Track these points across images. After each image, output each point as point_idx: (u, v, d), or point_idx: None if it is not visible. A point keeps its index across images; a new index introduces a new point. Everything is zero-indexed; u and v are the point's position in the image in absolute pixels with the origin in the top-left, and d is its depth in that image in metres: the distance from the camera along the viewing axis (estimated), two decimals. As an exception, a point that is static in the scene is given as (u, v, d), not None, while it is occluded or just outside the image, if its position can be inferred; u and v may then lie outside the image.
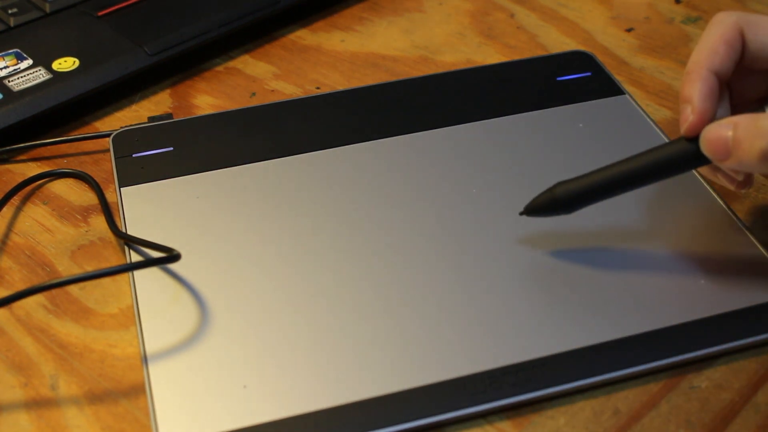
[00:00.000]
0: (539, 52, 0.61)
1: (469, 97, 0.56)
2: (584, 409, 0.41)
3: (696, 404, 0.41)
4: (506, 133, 0.53)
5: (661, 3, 0.66)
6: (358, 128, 0.53)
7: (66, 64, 0.56)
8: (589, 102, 0.55)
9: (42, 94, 0.54)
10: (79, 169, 0.53)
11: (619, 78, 0.57)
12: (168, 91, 0.59)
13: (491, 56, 0.61)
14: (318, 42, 0.63)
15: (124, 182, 0.50)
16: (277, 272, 0.45)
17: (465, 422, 0.40)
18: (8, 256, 0.48)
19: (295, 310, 0.43)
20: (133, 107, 0.58)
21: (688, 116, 0.42)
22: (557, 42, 0.62)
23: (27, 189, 0.52)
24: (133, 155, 0.52)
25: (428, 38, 0.63)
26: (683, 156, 0.42)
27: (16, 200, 0.51)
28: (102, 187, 0.51)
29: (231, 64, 0.61)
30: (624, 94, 0.56)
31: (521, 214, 0.45)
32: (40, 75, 0.56)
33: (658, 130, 0.53)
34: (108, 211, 0.49)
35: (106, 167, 0.53)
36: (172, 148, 0.52)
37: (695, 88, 0.42)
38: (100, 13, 0.61)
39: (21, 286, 0.46)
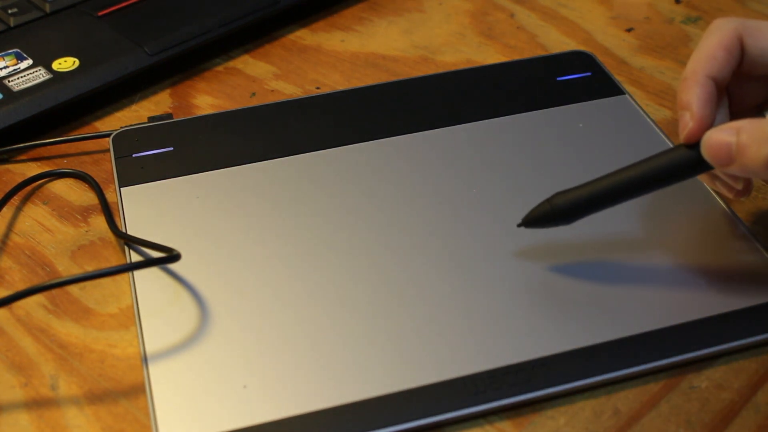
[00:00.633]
0: (539, 52, 0.61)
1: (469, 97, 0.56)
2: (584, 409, 0.41)
3: (696, 404, 0.41)
4: (506, 133, 0.53)
5: (661, 3, 0.66)
6: (358, 128, 0.53)
7: (66, 64, 0.56)
8: (589, 102, 0.55)
9: (42, 94, 0.54)
10: (79, 169, 0.53)
11: (619, 78, 0.57)
12: (168, 91, 0.59)
13: (491, 56, 0.61)
14: (318, 42, 0.63)
15: (124, 182, 0.50)
16: (277, 272, 0.45)
17: (465, 422, 0.40)
18: (8, 256, 0.48)
19: (295, 310, 0.43)
20: (133, 107, 0.58)
21: (687, 123, 0.42)
22: (557, 42, 0.62)
23: (27, 189, 0.52)
24: (133, 155, 0.52)
25: (428, 38, 0.63)
26: (684, 163, 0.42)
27: (16, 200, 0.51)
28: (102, 187, 0.51)
29: (231, 64, 0.61)
30: (624, 94, 0.56)
31: (519, 225, 0.45)
32: (40, 75, 0.56)
33: (658, 130, 0.53)
34: (108, 211, 0.49)
35: (106, 167, 0.53)
36: (172, 148, 0.52)
37: (693, 94, 0.42)
38: (100, 13, 0.61)
39: (21, 286, 0.46)
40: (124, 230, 0.47)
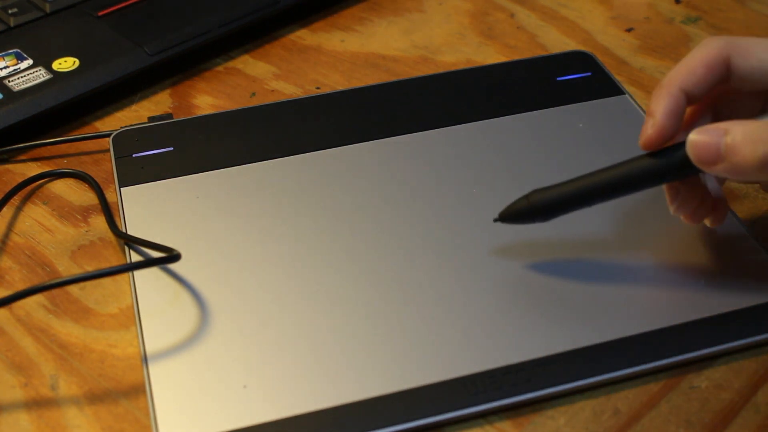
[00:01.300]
0: (539, 52, 0.61)
1: (469, 97, 0.56)
2: (584, 409, 0.41)
3: (696, 404, 0.41)
4: (506, 133, 0.53)
5: (661, 3, 0.66)
6: (358, 128, 0.53)
7: (66, 64, 0.56)
8: (589, 102, 0.55)
9: (42, 94, 0.54)
10: (79, 169, 0.53)
11: (619, 78, 0.57)
12: (168, 91, 0.59)
13: (491, 56, 0.61)
14: (318, 42, 0.63)
15: (124, 182, 0.50)
16: (277, 272, 0.45)
17: (465, 422, 0.40)
18: (8, 256, 0.48)
19: (295, 310, 0.43)
20: (133, 107, 0.58)
21: (647, 130, 0.42)
22: (557, 42, 0.62)
23: (27, 189, 0.52)
24: (133, 155, 0.52)
25: (428, 38, 0.63)
26: (667, 164, 0.42)
27: (16, 200, 0.51)
28: (102, 187, 0.51)
29: (231, 64, 0.61)
30: (624, 94, 0.56)
31: (495, 220, 0.45)
32: (40, 75, 0.56)
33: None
34: (108, 211, 0.49)
35: (106, 167, 0.53)
36: (172, 148, 0.52)
37: (661, 104, 0.42)
38: (100, 13, 0.61)
39: (21, 286, 0.46)
40: (124, 230, 0.47)
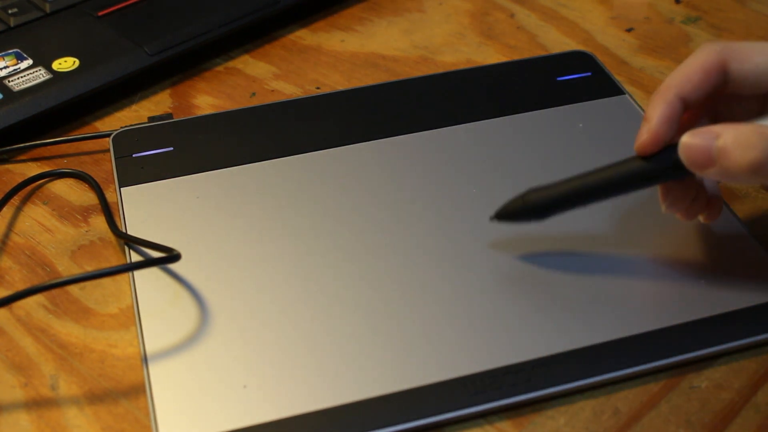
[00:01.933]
0: (539, 52, 0.61)
1: (469, 97, 0.56)
2: (584, 409, 0.41)
3: (696, 404, 0.41)
4: (506, 133, 0.53)
5: (661, 3, 0.66)
6: (358, 128, 0.53)
7: (66, 64, 0.56)
8: (589, 102, 0.55)
9: (42, 94, 0.54)
10: (79, 169, 0.53)
11: (619, 78, 0.57)
12: (168, 91, 0.59)
13: (491, 56, 0.61)
14: (318, 42, 0.63)
15: (124, 182, 0.50)
16: (277, 272, 0.45)
17: (465, 422, 0.40)
18: (8, 256, 0.48)
19: (295, 310, 0.43)
20: (133, 107, 0.58)
21: (643, 134, 0.42)
22: (557, 42, 0.62)
23: (27, 189, 0.52)
24: (133, 155, 0.52)
25: (428, 38, 0.63)
26: (659, 167, 0.42)
27: (16, 200, 0.51)
28: (102, 187, 0.51)
29: (231, 64, 0.61)
30: (624, 94, 0.56)
31: (492, 219, 0.45)
32: (40, 75, 0.56)
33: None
34: (108, 211, 0.49)
35: (106, 167, 0.53)
36: (172, 148, 0.52)
37: (658, 110, 0.42)
38: (100, 13, 0.61)
39: (21, 286, 0.46)
40: (124, 230, 0.47)
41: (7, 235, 0.49)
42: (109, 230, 0.49)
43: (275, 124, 0.54)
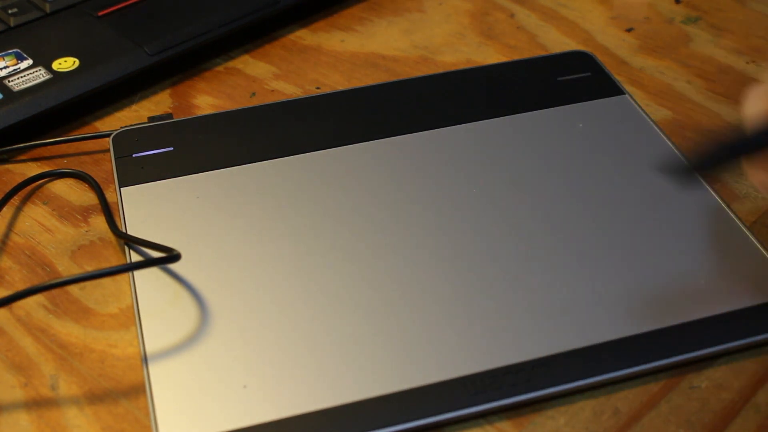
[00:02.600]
0: (539, 52, 0.61)
1: (469, 97, 0.56)
2: (584, 409, 0.41)
3: (696, 404, 0.41)
4: (506, 133, 0.53)
5: (661, 3, 0.66)
6: (358, 128, 0.53)
7: (66, 64, 0.56)
8: (589, 102, 0.55)
9: (42, 94, 0.54)
10: (79, 169, 0.53)
11: (619, 78, 0.57)
12: (168, 91, 0.59)
13: (491, 56, 0.61)
14: (318, 42, 0.63)
15: (124, 182, 0.50)
16: (277, 272, 0.45)
17: (465, 422, 0.40)
18: (8, 256, 0.48)
19: (295, 310, 0.43)
20: (133, 107, 0.58)
21: None
22: (557, 42, 0.62)
23: (27, 189, 0.52)
24: (133, 155, 0.52)
25: (428, 38, 0.63)
26: None
27: (16, 200, 0.51)
28: (102, 187, 0.51)
29: (231, 64, 0.61)
30: (624, 94, 0.56)
31: (691, 170, 0.41)
32: (40, 75, 0.56)
33: (658, 130, 0.53)
34: (108, 211, 0.49)
35: (106, 167, 0.53)
36: (172, 148, 0.52)
37: None
38: (100, 13, 0.61)
39: (21, 286, 0.46)
40: (124, 230, 0.47)
41: (7, 235, 0.49)
42: (109, 230, 0.49)
43: (275, 124, 0.54)
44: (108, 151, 0.53)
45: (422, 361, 0.41)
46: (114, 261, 0.48)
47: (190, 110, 0.57)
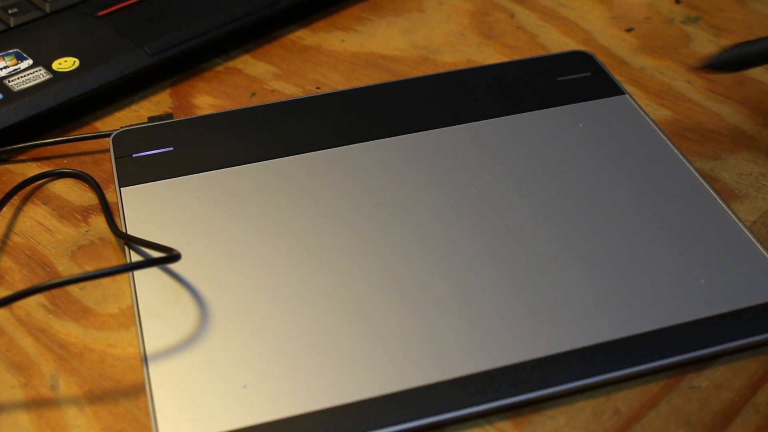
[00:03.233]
0: (539, 52, 0.61)
1: (469, 97, 0.56)
2: (584, 409, 0.41)
3: (696, 404, 0.41)
4: (506, 133, 0.53)
5: (661, 3, 0.66)
6: (358, 128, 0.53)
7: (66, 64, 0.56)
8: (589, 102, 0.55)
9: (42, 94, 0.54)
10: (79, 169, 0.53)
11: (619, 78, 0.57)
12: (168, 91, 0.59)
13: (491, 56, 0.61)
14: (318, 42, 0.63)
15: (124, 182, 0.50)
16: (278, 272, 0.45)
17: (465, 422, 0.40)
18: (8, 256, 0.48)
19: (295, 310, 0.44)
20: (133, 107, 0.58)
21: None
22: (557, 42, 0.62)
23: (27, 189, 0.52)
24: (133, 155, 0.52)
25: (428, 38, 0.63)
26: None
27: (16, 200, 0.51)
28: (102, 187, 0.51)
29: (231, 64, 0.61)
30: (624, 94, 0.56)
31: (704, 67, 0.50)
32: (40, 75, 0.56)
33: (658, 130, 0.53)
34: (108, 211, 0.49)
35: (106, 167, 0.53)
36: (172, 148, 0.52)
37: None
38: (100, 13, 0.61)
39: (21, 286, 0.46)
40: (124, 230, 0.47)
41: (7, 235, 0.49)
42: (109, 230, 0.49)
43: (275, 124, 0.54)
44: (108, 151, 0.53)
45: (422, 361, 0.41)
46: (114, 261, 0.48)
47: (190, 110, 0.57)
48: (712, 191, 0.49)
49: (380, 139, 0.53)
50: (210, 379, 0.41)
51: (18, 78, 0.55)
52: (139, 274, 0.45)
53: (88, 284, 0.46)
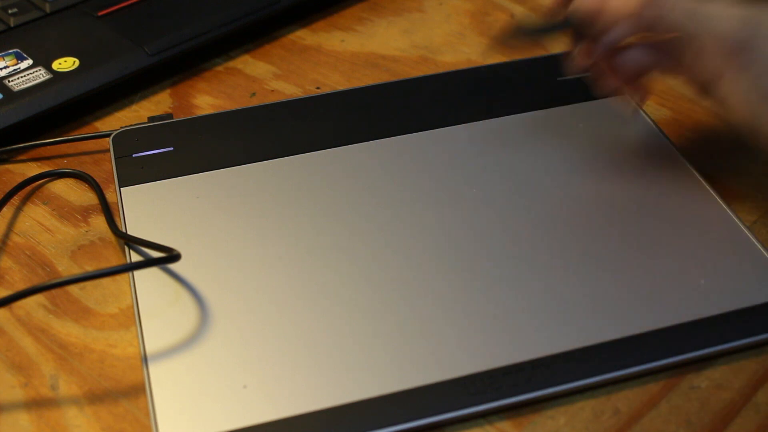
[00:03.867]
0: (539, 52, 0.61)
1: (469, 97, 0.56)
2: (584, 409, 0.41)
3: (696, 404, 0.41)
4: (506, 133, 0.53)
5: (661, 3, 0.66)
6: (358, 128, 0.53)
7: (66, 64, 0.56)
8: (589, 102, 0.55)
9: (42, 94, 0.54)
10: (79, 169, 0.53)
11: (619, 78, 0.57)
12: (168, 91, 0.59)
13: (491, 56, 0.61)
14: (318, 42, 0.63)
15: (124, 182, 0.50)
16: (277, 272, 0.45)
17: (465, 422, 0.40)
18: (8, 256, 0.48)
19: (295, 310, 0.43)
20: (133, 107, 0.58)
21: None
22: (557, 42, 0.62)
23: (27, 189, 0.52)
24: (133, 155, 0.52)
25: (428, 38, 0.63)
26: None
27: (16, 200, 0.51)
28: (102, 187, 0.51)
29: (231, 64, 0.61)
30: (624, 93, 0.55)
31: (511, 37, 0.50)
32: (40, 75, 0.56)
33: (657, 130, 0.53)
34: (108, 211, 0.49)
35: (106, 167, 0.53)
36: (172, 148, 0.52)
37: None
38: (100, 13, 0.61)
39: (21, 286, 0.46)
40: (124, 230, 0.47)
41: (7, 235, 0.49)
42: (109, 230, 0.49)
43: (275, 124, 0.54)
44: (108, 151, 0.53)
45: (422, 361, 0.41)
46: (114, 261, 0.48)
47: (190, 110, 0.57)
48: (712, 191, 0.49)
49: (380, 139, 0.53)
50: (210, 379, 0.41)
51: (18, 78, 0.55)
52: (139, 274, 0.45)
53: (88, 284, 0.46)
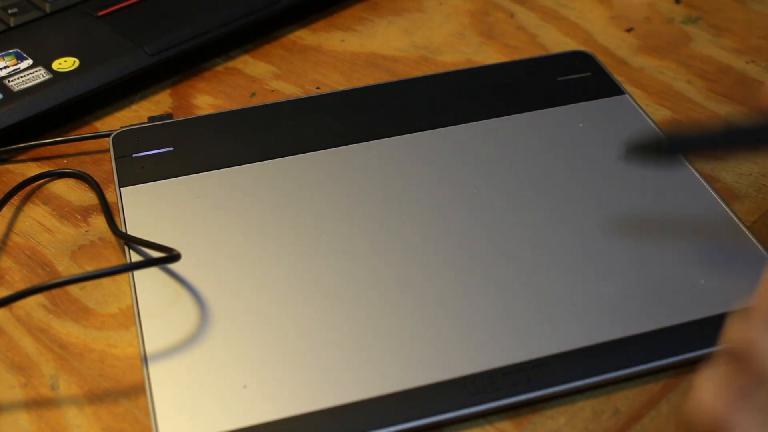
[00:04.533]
0: (539, 52, 0.61)
1: (469, 97, 0.56)
2: (584, 409, 0.41)
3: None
4: (506, 133, 0.53)
5: (661, 3, 0.66)
6: (358, 128, 0.53)
7: (66, 64, 0.56)
8: (589, 102, 0.55)
9: (42, 94, 0.54)
10: (79, 169, 0.53)
11: (619, 78, 0.57)
12: (168, 91, 0.59)
13: (491, 56, 0.61)
14: (318, 42, 0.63)
15: (124, 182, 0.50)
16: (278, 272, 0.45)
17: (465, 422, 0.40)
18: (8, 256, 0.48)
19: (295, 310, 0.43)
20: (133, 107, 0.58)
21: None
22: (557, 42, 0.62)
23: (27, 189, 0.52)
24: (133, 155, 0.52)
25: (428, 38, 0.63)
26: None
27: (16, 200, 0.51)
28: (102, 187, 0.51)
29: (231, 64, 0.61)
30: (624, 94, 0.56)
31: (625, 154, 0.42)
32: (40, 75, 0.56)
33: (658, 130, 0.53)
34: (108, 211, 0.49)
35: (106, 167, 0.53)
36: (172, 148, 0.52)
37: None
38: (100, 13, 0.61)
39: (21, 286, 0.46)
40: (124, 230, 0.47)
41: (7, 235, 0.49)
42: (109, 230, 0.49)
43: (275, 124, 0.54)
44: (108, 151, 0.53)
45: (422, 361, 0.41)
46: (114, 261, 0.48)
47: (190, 110, 0.57)
48: (712, 191, 0.49)
49: (380, 139, 0.53)
50: (210, 379, 0.41)
51: (18, 78, 0.55)
52: (139, 274, 0.45)
53: (88, 284, 0.46)
